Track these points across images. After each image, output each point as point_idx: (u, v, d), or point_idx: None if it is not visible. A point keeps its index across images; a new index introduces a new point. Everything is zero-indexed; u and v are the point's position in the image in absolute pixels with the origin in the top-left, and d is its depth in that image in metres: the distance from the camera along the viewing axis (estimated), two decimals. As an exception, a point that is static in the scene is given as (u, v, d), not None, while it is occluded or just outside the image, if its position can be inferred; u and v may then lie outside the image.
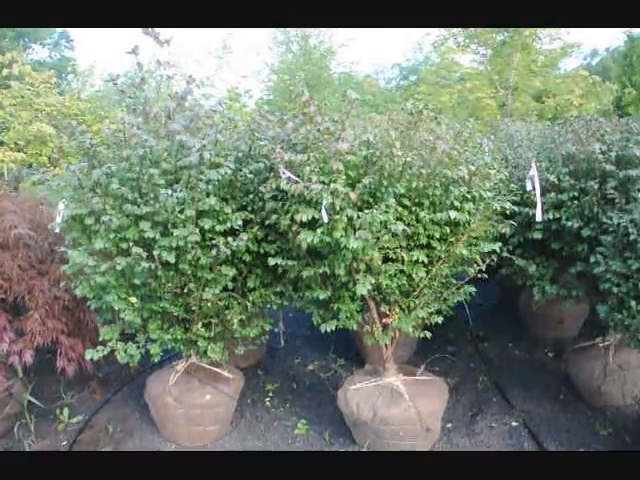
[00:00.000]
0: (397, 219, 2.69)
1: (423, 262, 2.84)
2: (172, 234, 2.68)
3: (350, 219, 2.52)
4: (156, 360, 3.17)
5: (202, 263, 2.84)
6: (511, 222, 3.20)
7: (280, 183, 2.62)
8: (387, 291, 2.91)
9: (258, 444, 3.37)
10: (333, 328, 2.96)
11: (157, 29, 3.01)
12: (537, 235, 3.58)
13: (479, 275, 3.04)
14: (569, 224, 3.39)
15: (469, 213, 2.86)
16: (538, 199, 3.30)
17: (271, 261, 2.85)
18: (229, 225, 2.86)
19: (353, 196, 2.48)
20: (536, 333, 4.78)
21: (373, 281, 2.69)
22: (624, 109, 15.45)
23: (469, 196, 2.88)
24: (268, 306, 3.32)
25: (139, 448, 3.35)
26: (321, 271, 2.80)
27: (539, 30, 13.39)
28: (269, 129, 3.30)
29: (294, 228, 2.70)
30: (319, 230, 2.56)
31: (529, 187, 3.37)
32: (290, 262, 2.87)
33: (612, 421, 3.41)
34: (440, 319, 3.09)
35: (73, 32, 28.25)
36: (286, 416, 3.68)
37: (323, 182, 2.54)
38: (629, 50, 17.36)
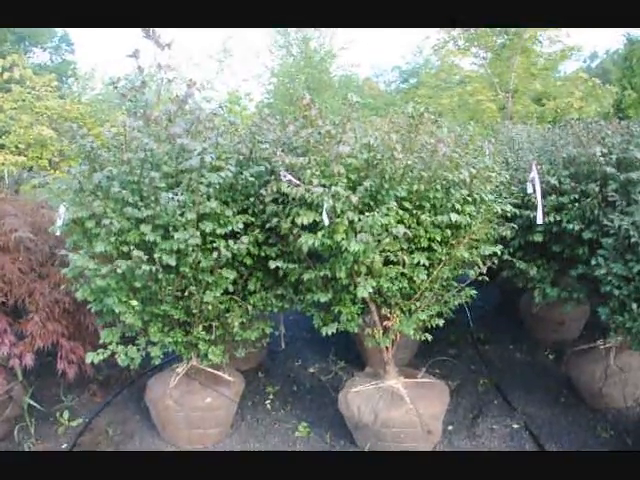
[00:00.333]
0: (398, 222, 2.69)
1: (424, 265, 2.83)
2: (173, 237, 2.67)
3: (351, 222, 2.52)
4: (157, 363, 3.17)
5: (203, 266, 2.84)
6: (512, 225, 3.19)
7: (281, 186, 2.62)
8: (388, 294, 2.91)
9: (259, 447, 3.36)
10: (334, 331, 2.96)
11: (157, 30, 3.00)
12: (538, 238, 3.58)
13: (480, 278, 3.04)
14: (570, 227, 3.39)
15: (470, 216, 2.86)
16: (539, 202, 3.30)
17: (272, 264, 2.85)
18: (230, 228, 2.86)
19: (354, 199, 2.48)
20: (537, 335, 4.77)
21: (374, 284, 2.69)
22: (624, 112, 15.44)
23: (470, 199, 2.88)
24: (269, 309, 3.31)
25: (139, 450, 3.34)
26: (322, 274, 2.80)
27: (539, 33, 13.45)
28: (270, 132, 3.31)
29: (295, 231, 2.70)
30: (320, 233, 2.56)
31: (530, 190, 3.38)
32: (291, 265, 2.87)
33: (613, 423, 3.41)
34: (441, 322, 3.09)
35: (74, 35, 28.45)
36: (287, 419, 3.67)
37: (324, 185, 2.55)
38: (629, 53, 17.34)
